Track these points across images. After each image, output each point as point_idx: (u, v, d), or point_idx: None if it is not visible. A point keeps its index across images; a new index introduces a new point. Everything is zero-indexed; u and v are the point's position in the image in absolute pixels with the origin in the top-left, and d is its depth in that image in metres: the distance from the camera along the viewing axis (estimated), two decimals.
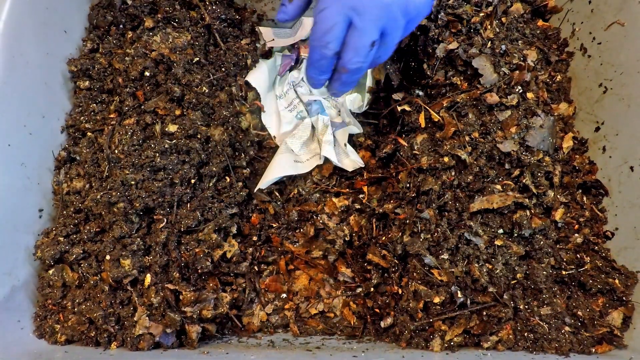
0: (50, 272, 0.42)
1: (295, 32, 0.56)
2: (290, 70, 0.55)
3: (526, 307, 0.41)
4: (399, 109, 0.48)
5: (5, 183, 0.41)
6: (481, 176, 0.44)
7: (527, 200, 0.43)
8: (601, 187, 0.45)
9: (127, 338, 0.40)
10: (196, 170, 0.44)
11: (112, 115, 0.47)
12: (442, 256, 0.42)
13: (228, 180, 0.45)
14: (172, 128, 0.45)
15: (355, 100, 0.54)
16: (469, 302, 0.41)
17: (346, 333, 0.43)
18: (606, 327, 0.40)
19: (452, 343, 0.40)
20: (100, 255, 0.42)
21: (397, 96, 0.50)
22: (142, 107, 0.46)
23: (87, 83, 0.49)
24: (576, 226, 0.44)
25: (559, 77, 0.49)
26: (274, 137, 0.52)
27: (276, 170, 0.47)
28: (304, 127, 0.52)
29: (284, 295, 0.44)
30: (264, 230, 0.45)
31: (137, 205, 0.42)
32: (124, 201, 0.43)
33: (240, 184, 0.45)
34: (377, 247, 0.44)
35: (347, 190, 0.47)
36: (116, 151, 0.45)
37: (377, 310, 0.42)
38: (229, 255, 0.43)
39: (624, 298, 0.41)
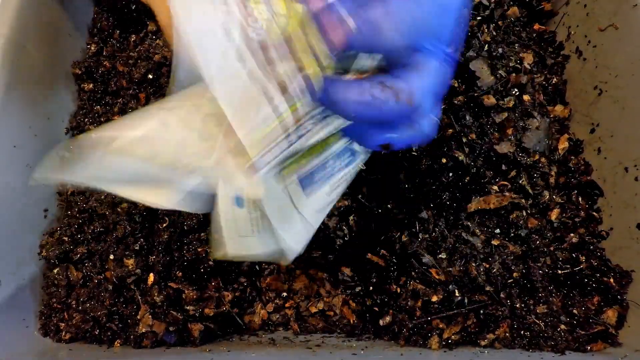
0: (55, 271, 0.43)
1: None
2: None
3: (523, 305, 0.41)
4: None
5: (11, 184, 0.42)
6: (478, 177, 0.45)
7: (523, 200, 0.44)
8: (596, 188, 0.46)
9: (130, 336, 0.41)
10: None
11: (115, 117, 0.48)
12: (440, 255, 0.43)
13: None
14: None
15: None
16: (466, 300, 0.41)
17: (346, 331, 0.44)
18: (601, 325, 0.41)
19: (449, 341, 0.40)
20: (104, 255, 0.43)
21: None
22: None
23: (91, 85, 0.49)
24: (572, 226, 0.45)
25: (554, 79, 0.50)
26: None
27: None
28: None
29: (285, 294, 0.45)
30: None
31: (141, 205, 0.43)
32: (127, 201, 0.44)
33: None
34: (377, 247, 0.45)
35: (347, 190, 0.48)
36: None
37: (376, 308, 0.43)
38: None
39: (618, 297, 0.42)
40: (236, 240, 0.32)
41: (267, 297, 0.45)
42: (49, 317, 0.42)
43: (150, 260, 0.42)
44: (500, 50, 0.48)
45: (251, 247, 0.32)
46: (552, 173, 0.46)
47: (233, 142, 0.27)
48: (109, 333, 0.41)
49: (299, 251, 0.34)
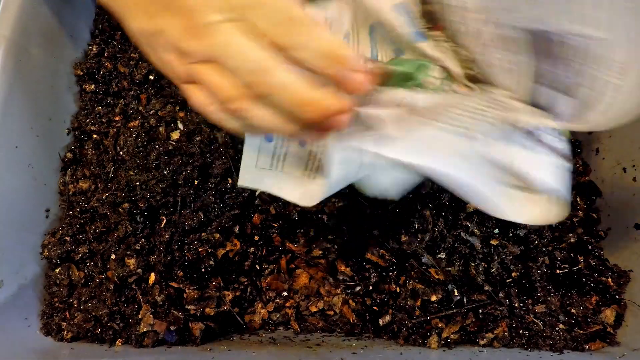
0: (57, 270, 0.43)
1: None
2: None
3: (521, 305, 0.42)
4: None
5: (12, 184, 0.42)
6: None
7: None
8: (595, 188, 0.46)
9: (131, 335, 0.41)
10: (199, 172, 0.45)
11: (117, 118, 0.48)
12: (439, 255, 0.43)
13: (230, 181, 0.46)
14: (176, 131, 0.46)
15: None
16: (465, 300, 0.42)
17: (345, 330, 0.44)
18: (599, 324, 0.41)
19: (449, 340, 0.41)
20: (105, 255, 0.43)
21: None
22: (147, 109, 0.48)
23: (92, 86, 0.50)
24: (570, 226, 0.45)
25: None
26: None
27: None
28: None
29: (285, 293, 0.45)
30: (265, 230, 0.46)
31: (142, 205, 0.44)
32: (128, 201, 0.44)
33: None
34: (376, 247, 0.45)
35: (346, 190, 0.48)
36: (121, 153, 0.46)
37: (376, 308, 0.43)
38: (231, 254, 0.44)
39: (616, 296, 0.42)
40: (252, 171, 0.36)
41: (267, 297, 0.45)
42: (51, 316, 0.43)
43: (151, 260, 0.43)
44: None
45: (264, 181, 0.37)
46: None
47: None
48: (110, 332, 0.41)
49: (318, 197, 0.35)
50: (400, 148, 0.30)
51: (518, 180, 0.32)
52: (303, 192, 0.37)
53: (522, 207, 0.32)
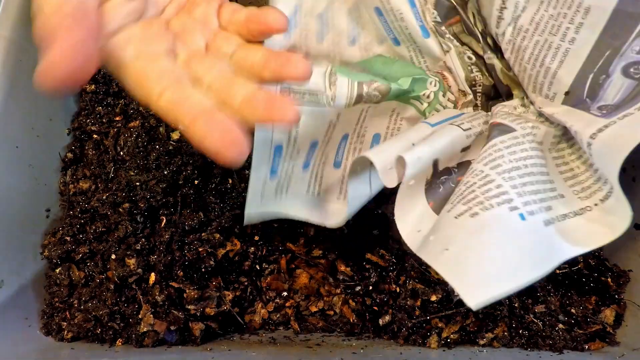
0: (57, 270, 0.43)
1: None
2: None
3: (521, 305, 0.42)
4: None
5: (13, 184, 0.42)
6: None
7: None
8: None
9: (132, 335, 0.41)
10: (200, 172, 0.45)
11: (117, 118, 0.48)
12: None
13: (230, 181, 0.46)
14: (176, 131, 0.46)
15: None
16: None
17: (345, 330, 0.44)
18: (599, 324, 0.41)
19: (448, 340, 0.41)
20: (105, 255, 0.43)
21: None
22: (147, 109, 0.48)
23: (92, 87, 0.50)
24: None
25: None
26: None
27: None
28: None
29: (285, 293, 0.45)
30: (265, 230, 0.46)
31: (142, 205, 0.44)
32: (129, 201, 0.44)
33: (242, 185, 0.46)
34: (376, 247, 0.45)
35: None
36: (122, 153, 0.46)
37: (376, 308, 0.43)
38: (231, 254, 0.44)
39: (616, 296, 0.42)
40: (257, 206, 0.38)
41: (267, 297, 0.45)
42: (51, 316, 0.43)
43: (151, 260, 0.43)
44: None
45: (270, 211, 0.39)
46: None
47: None
48: (110, 332, 0.41)
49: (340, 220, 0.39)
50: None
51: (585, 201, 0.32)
52: (310, 209, 0.40)
53: (596, 228, 0.32)
